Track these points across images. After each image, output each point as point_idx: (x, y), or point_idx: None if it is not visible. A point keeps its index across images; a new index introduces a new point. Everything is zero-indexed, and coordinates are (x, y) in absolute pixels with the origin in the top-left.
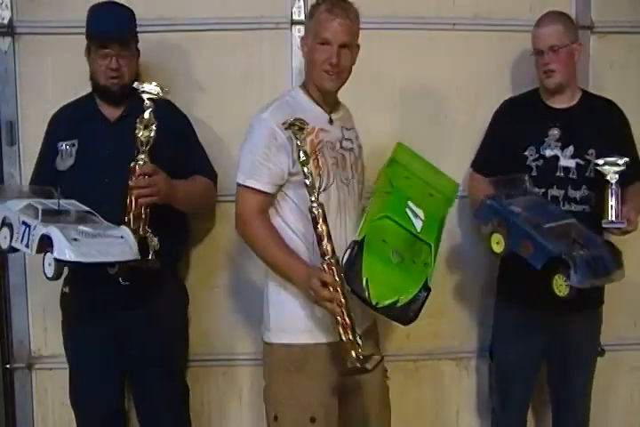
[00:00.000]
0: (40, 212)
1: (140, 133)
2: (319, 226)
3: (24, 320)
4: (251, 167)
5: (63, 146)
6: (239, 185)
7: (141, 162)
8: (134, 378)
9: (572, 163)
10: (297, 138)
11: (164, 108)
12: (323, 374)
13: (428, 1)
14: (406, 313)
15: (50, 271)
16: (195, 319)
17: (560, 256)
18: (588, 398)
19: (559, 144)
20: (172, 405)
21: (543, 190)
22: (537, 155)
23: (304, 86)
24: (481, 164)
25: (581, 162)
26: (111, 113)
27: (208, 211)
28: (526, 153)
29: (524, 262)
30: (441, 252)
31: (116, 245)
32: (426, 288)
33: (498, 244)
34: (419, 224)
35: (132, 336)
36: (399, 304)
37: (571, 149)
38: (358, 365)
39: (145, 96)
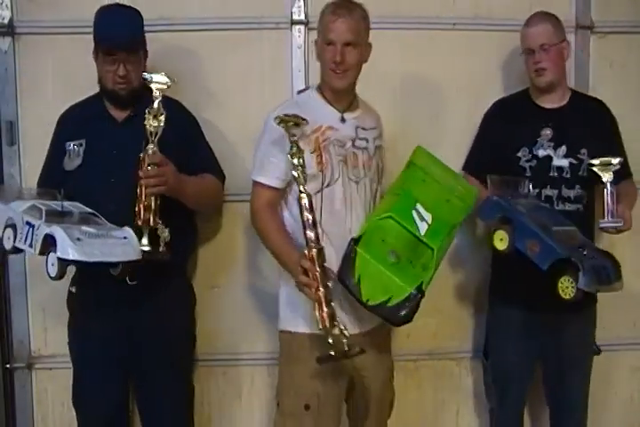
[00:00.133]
0: (44, 212)
1: (149, 123)
2: (305, 215)
3: (24, 320)
4: (260, 164)
5: (71, 146)
6: (253, 181)
7: (151, 152)
8: (139, 378)
9: (565, 162)
10: (288, 132)
11: (172, 108)
12: (320, 368)
13: (428, 1)
14: (396, 314)
15: (53, 271)
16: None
17: (569, 259)
18: (585, 398)
19: (552, 144)
20: (176, 406)
21: (537, 190)
22: (530, 155)
23: (319, 87)
24: (472, 165)
25: (574, 161)
26: (119, 113)
27: (215, 210)
28: (519, 154)
29: (520, 262)
30: None
31: (118, 245)
32: (420, 291)
33: (501, 240)
34: (424, 228)
35: (139, 336)
36: (390, 304)
37: (563, 148)
38: (332, 352)
39: (154, 86)
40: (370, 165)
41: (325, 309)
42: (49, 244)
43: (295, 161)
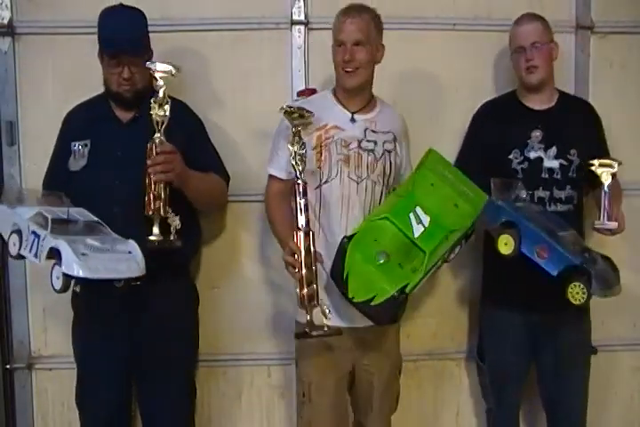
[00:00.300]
0: (49, 221)
1: (155, 113)
2: (297, 200)
3: (24, 320)
4: (271, 157)
5: (76, 146)
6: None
7: (157, 140)
8: (140, 379)
9: (555, 164)
10: (291, 122)
11: (177, 109)
12: (317, 354)
13: (428, 1)
14: (379, 313)
15: (57, 284)
16: None
17: (582, 266)
18: (584, 399)
19: (542, 146)
20: (177, 406)
21: (530, 192)
22: (522, 158)
23: (334, 89)
24: (463, 167)
25: (564, 162)
26: (124, 114)
27: (218, 209)
28: (510, 156)
29: (512, 263)
30: None
31: (123, 261)
32: (403, 293)
33: (506, 245)
34: (419, 231)
35: (142, 336)
36: (373, 303)
37: (554, 149)
38: (306, 330)
39: (158, 75)
40: (374, 167)
41: (305, 289)
42: (54, 256)
43: (292, 148)
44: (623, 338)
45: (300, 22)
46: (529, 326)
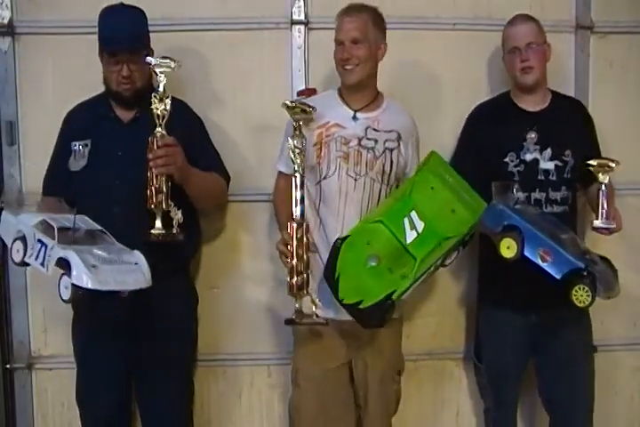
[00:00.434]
0: (56, 230)
1: (156, 106)
2: (294, 192)
3: (24, 320)
4: (279, 153)
5: (77, 146)
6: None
7: (159, 134)
8: (139, 378)
9: (551, 165)
10: (292, 117)
11: (178, 108)
12: (306, 342)
13: (428, 1)
14: (365, 317)
15: (66, 295)
16: None
17: (587, 269)
18: (589, 398)
19: (537, 147)
20: (176, 406)
21: (526, 194)
22: (518, 160)
23: (339, 88)
24: (457, 170)
25: (560, 163)
26: (124, 114)
27: (217, 209)
28: (506, 159)
29: (508, 264)
30: None
31: (130, 272)
32: (389, 299)
33: (509, 249)
34: (411, 237)
35: (141, 336)
36: (361, 306)
37: (549, 151)
38: (293, 316)
39: (158, 70)
40: (373, 165)
41: (295, 277)
42: (62, 266)
43: (291, 141)
44: (623, 338)
45: (299, 22)
46: (527, 326)
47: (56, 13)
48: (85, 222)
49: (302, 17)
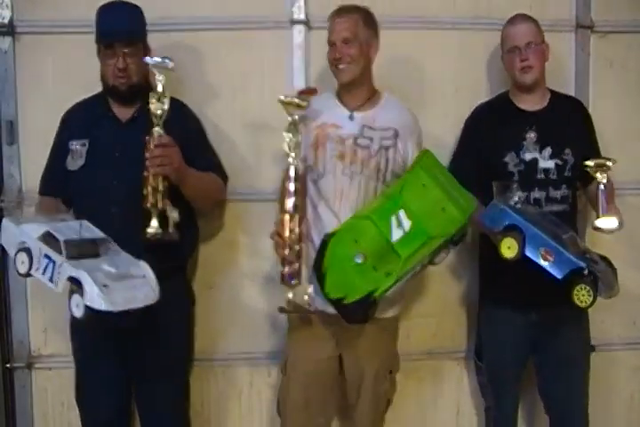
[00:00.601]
0: (62, 244)
1: (154, 106)
2: (287, 184)
3: (24, 320)
4: None
5: (74, 145)
6: None
7: (156, 134)
8: (138, 379)
9: (551, 164)
10: (288, 112)
11: (176, 108)
12: (296, 331)
13: (428, 1)
14: (348, 312)
15: (78, 313)
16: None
17: (588, 269)
18: (585, 397)
19: (537, 147)
20: (173, 406)
21: (526, 193)
22: (517, 160)
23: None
24: (457, 171)
25: (559, 162)
26: (122, 113)
27: (214, 208)
28: (506, 159)
29: (508, 263)
30: None
31: (140, 288)
32: (371, 297)
33: (510, 248)
34: (398, 235)
35: (137, 336)
36: (345, 302)
37: (548, 150)
38: (284, 306)
39: (155, 69)
40: (368, 164)
41: (287, 267)
42: (73, 284)
43: (287, 135)
44: (623, 337)
45: (299, 22)
46: (527, 325)
47: (56, 13)
48: (89, 230)
49: (302, 16)
